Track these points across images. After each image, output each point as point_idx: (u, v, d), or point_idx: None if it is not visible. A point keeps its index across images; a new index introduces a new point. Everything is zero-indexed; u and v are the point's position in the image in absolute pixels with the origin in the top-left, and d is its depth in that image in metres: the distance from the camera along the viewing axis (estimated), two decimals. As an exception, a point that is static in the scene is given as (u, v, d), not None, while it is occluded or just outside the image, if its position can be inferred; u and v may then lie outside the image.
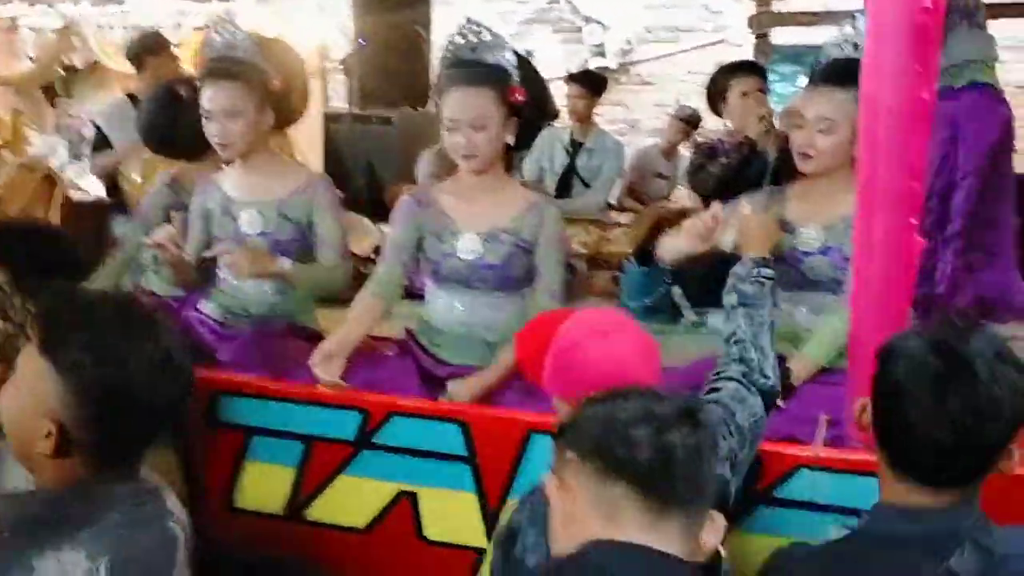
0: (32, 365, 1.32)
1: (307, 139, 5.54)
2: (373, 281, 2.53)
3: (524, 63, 2.52)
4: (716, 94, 3.76)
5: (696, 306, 3.41)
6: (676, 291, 3.42)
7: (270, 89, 2.69)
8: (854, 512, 1.78)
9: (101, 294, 1.48)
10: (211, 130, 2.66)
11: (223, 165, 2.98)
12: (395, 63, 5.49)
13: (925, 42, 1.78)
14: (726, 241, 2.30)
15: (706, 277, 3.48)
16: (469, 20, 2.48)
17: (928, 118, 1.84)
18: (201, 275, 2.80)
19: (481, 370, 2.40)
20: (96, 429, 1.31)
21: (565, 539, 1.25)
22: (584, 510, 1.23)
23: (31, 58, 6.25)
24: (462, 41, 2.45)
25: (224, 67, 2.66)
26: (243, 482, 2.33)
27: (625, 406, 1.25)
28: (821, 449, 2.01)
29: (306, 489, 2.28)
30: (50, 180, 3.67)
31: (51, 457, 1.30)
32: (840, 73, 2.29)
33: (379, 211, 4.60)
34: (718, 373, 1.85)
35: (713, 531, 1.25)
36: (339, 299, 3.52)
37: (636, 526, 1.19)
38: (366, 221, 4.24)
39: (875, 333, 1.90)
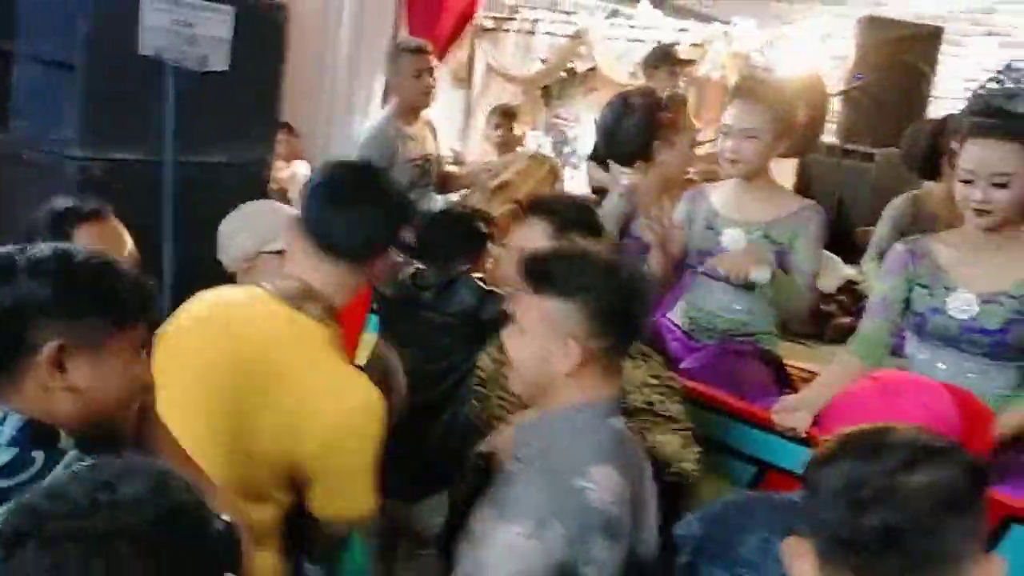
0: (534, 308, 1.62)
1: (781, 165, 5.53)
2: (857, 339, 2.43)
3: None
4: None
5: None
6: None
7: (791, 121, 2.71)
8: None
9: (565, 246, 1.83)
10: (726, 145, 2.72)
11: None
12: (891, 100, 5.26)
13: None
14: None
15: None
16: (1010, 66, 2.29)
17: None
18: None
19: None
20: (604, 335, 1.59)
21: None
22: None
23: (541, 60, 6.89)
24: (996, 87, 2.27)
25: (755, 87, 2.73)
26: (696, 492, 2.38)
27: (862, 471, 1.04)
28: None
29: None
30: (553, 173, 4.07)
31: (573, 375, 1.59)
32: None
33: (845, 250, 4.47)
34: None
35: None
36: (800, 334, 3.52)
37: None
38: (834, 258, 4.13)
39: None
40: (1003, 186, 2.18)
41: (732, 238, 2.75)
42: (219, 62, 2.85)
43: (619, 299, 1.63)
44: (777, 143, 2.71)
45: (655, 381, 2.18)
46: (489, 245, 2.94)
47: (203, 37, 2.83)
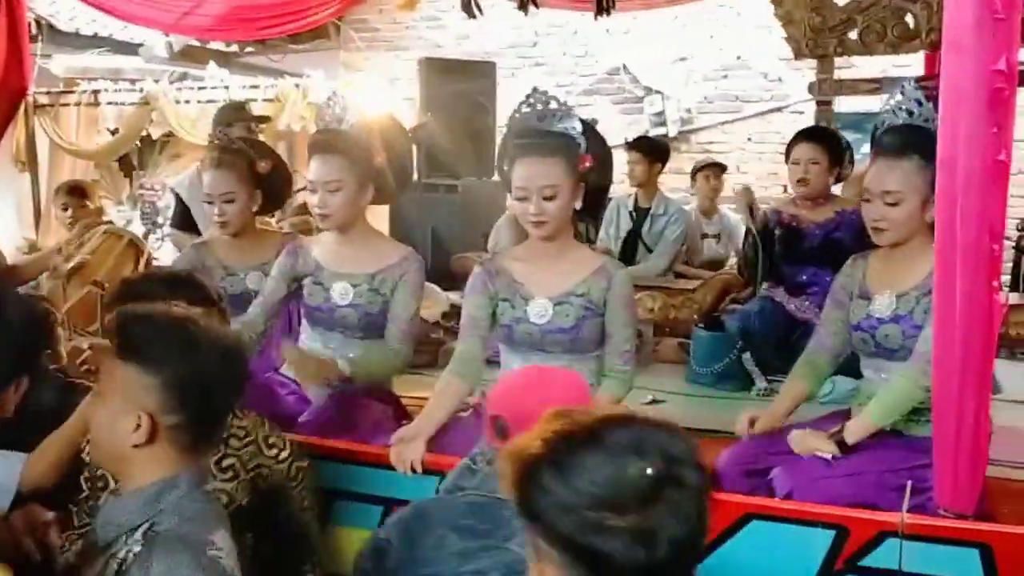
0: (114, 373, 1.54)
1: (373, 207, 5.69)
2: (454, 360, 2.54)
3: (590, 131, 2.57)
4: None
5: (767, 373, 3.41)
6: (747, 358, 3.42)
7: (372, 167, 2.75)
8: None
9: (161, 309, 1.64)
10: (313, 200, 2.74)
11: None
12: (460, 133, 5.61)
13: (999, 103, 1.79)
14: None
15: (778, 344, 3.52)
16: (536, 90, 2.52)
17: (1006, 180, 1.84)
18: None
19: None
20: (181, 411, 1.51)
21: None
22: None
23: (111, 131, 6.51)
24: (529, 111, 2.49)
25: (330, 140, 2.73)
26: (329, 546, 2.34)
27: (589, 475, 1.08)
28: (906, 516, 1.99)
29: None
30: (135, 246, 3.83)
31: (147, 449, 1.50)
32: (899, 144, 2.32)
33: (444, 278, 4.69)
34: None
35: None
36: (414, 364, 3.60)
37: None
38: (435, 288, 4.31)
39: (959, 399, 1.89)
40: (551, 198, 2.40)
41: (340, 292, 2.76)
42: None
43: (198, 376, 1.53)
44: (363, 191, 2.74)
45: None
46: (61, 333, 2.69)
47: None
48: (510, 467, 1.12)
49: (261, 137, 4.84)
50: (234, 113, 4.67)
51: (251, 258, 3.08)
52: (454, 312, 4.19)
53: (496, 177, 5.42)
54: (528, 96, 2.51)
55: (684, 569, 1.11)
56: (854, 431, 2.26)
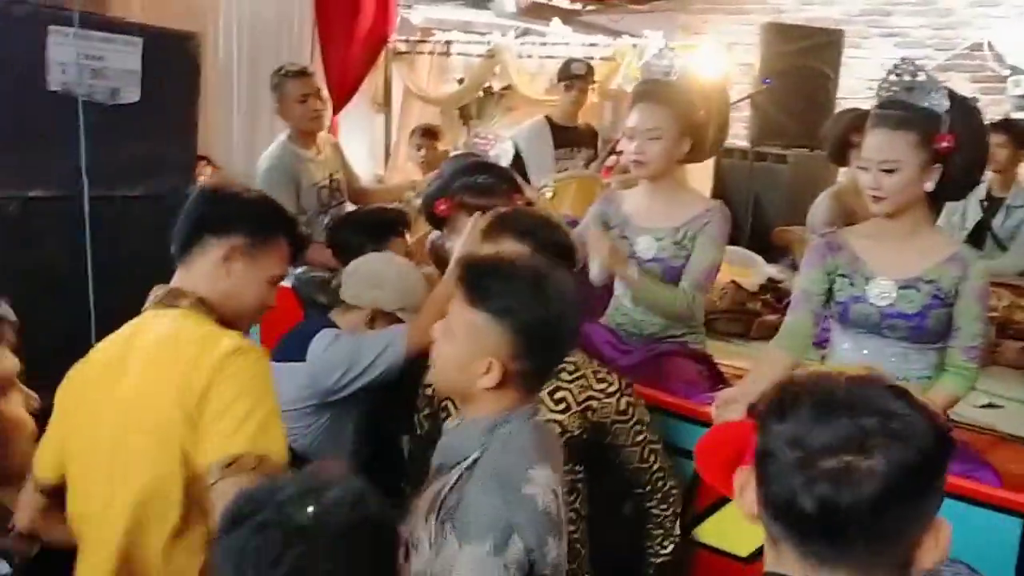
0: (465, 317, 1.62)
1: (699, 171, 5.65)
2: (782, 332, 2.48)
3: (961, 108, 2.37)
4: None
5: None
6: (1107, 373, 3.07)
7: (693, 120, 2.76)
8: None
9: (508, 257, 1.74)
10: (630, 147, 2.78)
11: None
12: (797, 103, 5.41)
13: None
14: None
15: None
16: (905, 60, 2.38)
17: None
18: None
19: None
20: (528, 357, 1.60)
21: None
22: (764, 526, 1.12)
23: (458, 80, 6.92)
24: (896, 80, 2.36)
25: (655, 89, 2.78)
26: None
27: (810, 433, 1.06)
28: None
29: (696, 508, 2.32)
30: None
31: (493, 389, 1.60)
32: None
33: (763, 249, 4.58)
34: None
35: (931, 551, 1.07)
36: (727, 332, 3.59)
37: (797, 568, 1.07)
38: (757, 258, 4.24)
39: None
40: (890, 172, 2.27)
41: (644, 247, 2.81)
42: (130, 94, 2.81)
43: (547, 327, 1.61)
44: (680, 142, 2.76)
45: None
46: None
47: (112, 70, 2.79)
48: None
49: (593, 98, 4.95)
50: (563, 71, 4.84)
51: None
52: (770, 285, 4.10)
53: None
54: (896, 66, 2.37)
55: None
56: None
